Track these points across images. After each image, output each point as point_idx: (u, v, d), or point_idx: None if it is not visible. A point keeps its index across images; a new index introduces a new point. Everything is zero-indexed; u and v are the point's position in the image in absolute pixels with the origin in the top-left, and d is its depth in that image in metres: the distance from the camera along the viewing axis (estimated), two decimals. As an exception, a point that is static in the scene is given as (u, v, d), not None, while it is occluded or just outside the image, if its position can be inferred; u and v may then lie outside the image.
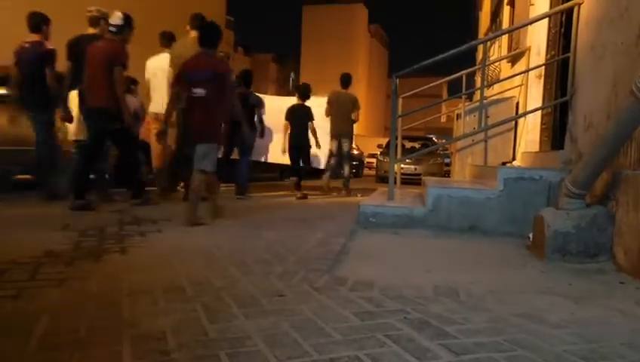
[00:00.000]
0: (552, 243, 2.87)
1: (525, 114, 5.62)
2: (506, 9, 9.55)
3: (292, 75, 52.05)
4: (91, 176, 5.23)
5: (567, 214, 2.89)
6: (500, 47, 9.89)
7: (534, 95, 5.80)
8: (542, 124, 5.60)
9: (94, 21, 5.44)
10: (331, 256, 2.84)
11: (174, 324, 1.66)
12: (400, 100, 6.13)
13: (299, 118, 7.20)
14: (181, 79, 4.38)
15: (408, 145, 14.87)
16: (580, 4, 4.04)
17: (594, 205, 2.95)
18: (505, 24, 9.65)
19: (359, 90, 50.63)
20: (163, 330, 1.60)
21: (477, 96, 7.65)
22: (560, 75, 4.98)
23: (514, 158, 6.40)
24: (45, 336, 1.53)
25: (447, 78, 7.72)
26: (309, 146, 7.38)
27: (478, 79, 9.45)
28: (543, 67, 5.57)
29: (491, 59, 9.37)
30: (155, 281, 2.19)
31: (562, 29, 4.96)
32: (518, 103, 6.51)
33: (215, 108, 4.27)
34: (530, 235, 3.26)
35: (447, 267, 2.74)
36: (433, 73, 12.12)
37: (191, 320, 1.71)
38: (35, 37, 5.21)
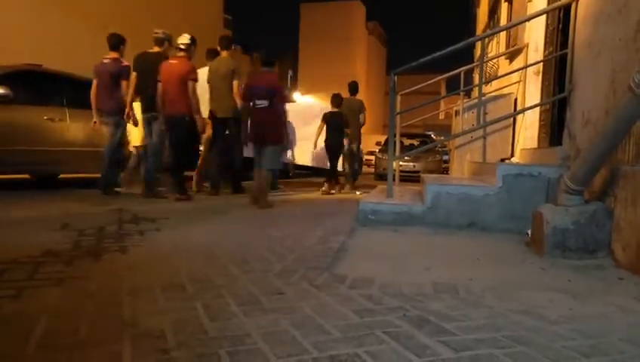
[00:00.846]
0: (551, 240, 2.88)
1: (524, 110, 5.62)
2: (504, 6, 9.55)
3: (290, 72, 51.98)
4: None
5: (566, 210, 2.89)
6: (498, 44, 9.90)
7: (532, 91, 5.80)
8: (540, 120, 5.60)
9: (160, 41, 6.37)
10: (330, 254, 2.84)
11: (174, 322, 1.66)
12: (398, 97, 6.14)
13: (334, 123, 7.95)
14: (246, 94, 5.57)
15: (407, 142, 14.90)
16: (577, 1, 4.04)
17: (593, 201, 2.95)
18: (503, 21, 9.66)
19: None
20: (163, 329, 1.60)
21: (475, 93, 7.64)
22: (558, 71, 4.99)
23: (512, 155, 6.41)
24: (45, 336, 1.53)
25: (446, 75, 7.72)
26: (340, 148, 8.18)
27: (476, 76, 9.44)
28: (541, 64, 5.57)
29: (489, 55, 9.38)
30: (154, 280, 2.19)
31: (560, 26, 4.96)
32: (516, 100, 6.51)
33: (275, 116, 5.35)
34: (529, 232, 3.26)
35: (446, 264, 2.74)
36: (431, 70, 12.10)
37: (191, 319, 1.71)
38: (113, 54, 6.13)
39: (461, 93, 7.17)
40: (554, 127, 5.08)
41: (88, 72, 6.24)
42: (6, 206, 4.72)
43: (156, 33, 6.38)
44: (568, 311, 1.92)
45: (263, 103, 5.28)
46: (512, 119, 6.38)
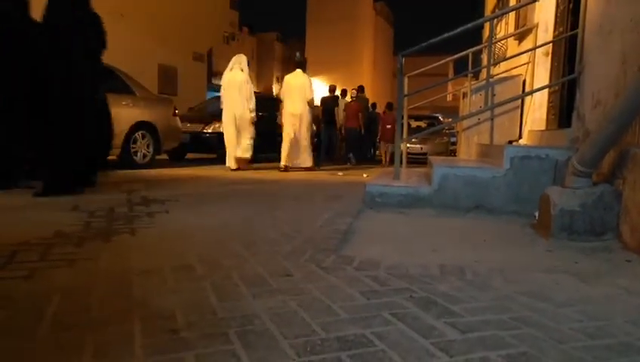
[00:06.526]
0: (558, 222, 2.87)
1: (532, 92, 5.57)
2: (514, -15, 9.40)
3: (297, 54, 51.66)
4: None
5: (574, 192, 2.88)
6: (506, 25, 9.77)
7: (541, 73, 5.74)
8: (549, 102, 5.55)
9: (332, 90, 12.22)
10: (338, 236, 2.85)
11: (184, 303, 1.69)
12: (406, 79, 6.09)
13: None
14: (384, 122, 12.79)
15: (414, 124, 14.84)
16: (588, -20, 3.98)
17: (601, 183, 2.94)
18: (512, 1, 9.52)
19: (365, 69, 50.14)
20: (172, 309, 1.63)
21: (483, 74, 7.58)
22: (568, 52, 4.93)
23: (520, 137, 6.37)
24: (57, 316, 1.56)
25: (454, 57, 7.63)
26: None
27: (484, 57, 9.35)
28: (551, 44, 5.50)
29: (498, 36, 9.26)
30: (164, 261, 2.22)
31: (571, 5, 4.89)
32: (524, 81, 6.45)
33: (394, 130, 9.05)
34: (537, 214, 3.26)
35: (453, 246, 2.75)
36: (439, 51, 11.97)
37: (200, 299, 1.74)
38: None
39: (469, 75, 7.11)
40: (563, 108, 5.03)
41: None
42: (17, 190, 4.75)
43: (334, 85, 12.43)
44: (575, 293, 1.93)
45: (389, 126, 11.88)
46: (520, 101, 6.33)
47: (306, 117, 8.74)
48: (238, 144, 8.31)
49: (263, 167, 8.76)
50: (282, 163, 8.66)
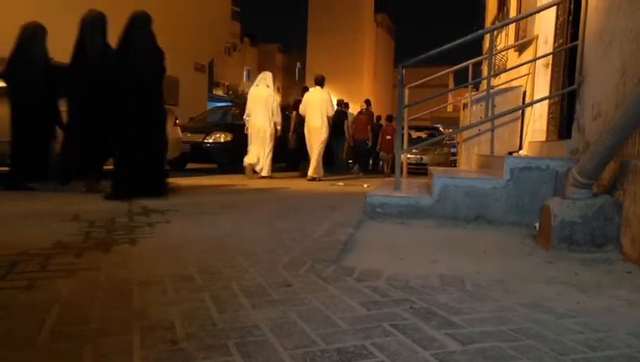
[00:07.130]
0: (559, 233, 2.87)
1: (532, 103, 5.58)
2: (514, -3, 9.45)
3: (298, 64, 51.74)
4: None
5: (574, 204, 2.88)
6: (506, 36, 9.82)
7: (541, 84, 5.76)
8: (549, 113, 5.57)
9: (340, 105, 12.96)
10: (338, 246, 2.85)
11: (183, 314, 1.68)
12: (406, 90, 6.11)
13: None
14: (383, 133, 12.92)
15: (415, 135, 14.86)
16: (588, -8, 4.00)
17: (601, 195, 2.94)
18: (512, 12, 9.57)
19: (365, 80, 50.26)
20: (172, 320, 1.62)
21: (483, 85, 7.60)
22: (568, 63, 4.95)
23: (521, 148, 6.38)
24: (56, 326, 1.56)
25: (454, 68, 7.68)
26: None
27: (484, 68, 9.40)
28: (551, 56, 5.53)
29: (498, 48, 9.32)
30: (164, 271, 2.21)
31: (570, 17, 4.92)
32: (525, 92, 6.47)
33: (393, 141, 10.78)
34: (537, 225, 3.26)
35: (453, 257, 2.75)
36: (439, 63, 12.07)
37: (199, 310, 1.73)
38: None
39: (469, 86, 7.14)
40: (563, 119, 5.04)
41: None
42: (16, 198, 4.77)
43: (342, 99, 13.77)
44: (575, 305, 1.92)
45: (388, 137, 12.16)
46: (520, 112, 6.34)
47: (325, 131, 9.21)
48: (260, 162, 8.94)
49: (265, 176, 8.85)
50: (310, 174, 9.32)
